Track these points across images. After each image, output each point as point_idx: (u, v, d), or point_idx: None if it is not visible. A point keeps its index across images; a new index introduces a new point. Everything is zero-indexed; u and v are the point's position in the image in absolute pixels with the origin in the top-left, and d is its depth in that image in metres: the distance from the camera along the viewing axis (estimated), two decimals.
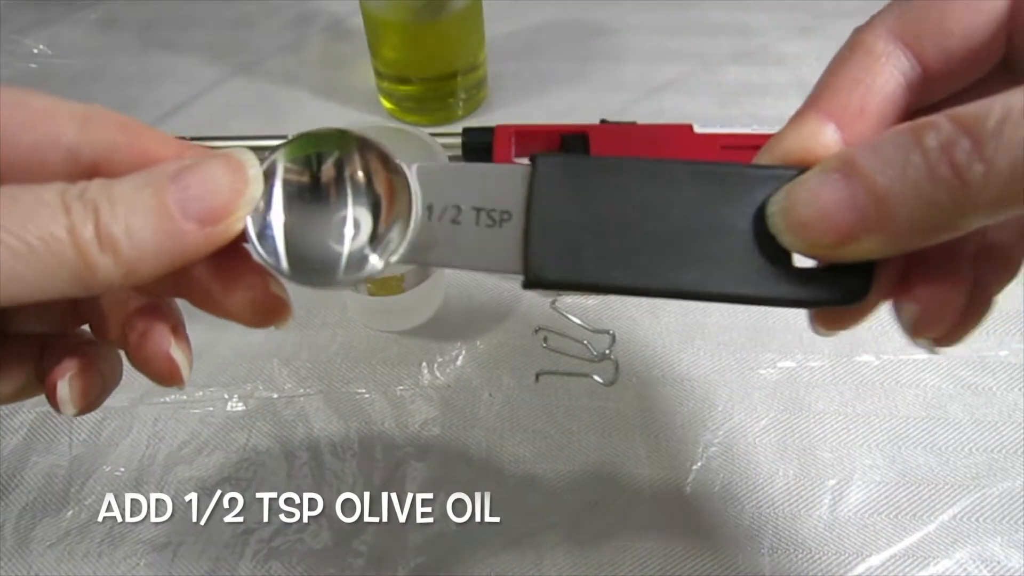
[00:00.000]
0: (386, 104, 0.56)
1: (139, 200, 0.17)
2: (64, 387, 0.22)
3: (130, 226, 0.17)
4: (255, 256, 0.20)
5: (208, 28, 0.64)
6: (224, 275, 0.20)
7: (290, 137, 0.20)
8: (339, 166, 0.20)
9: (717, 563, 0.35)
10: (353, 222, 0.20)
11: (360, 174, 0.20)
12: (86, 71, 0.61)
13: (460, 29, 0.52)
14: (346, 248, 0.20)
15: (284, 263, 0.19)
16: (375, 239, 0.20)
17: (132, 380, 0.43)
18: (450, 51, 0.52)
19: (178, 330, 0.22)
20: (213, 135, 0.53)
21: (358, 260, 0.20)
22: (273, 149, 0.20)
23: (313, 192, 0.20)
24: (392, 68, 0.54)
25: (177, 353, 0.21)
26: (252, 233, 0.19)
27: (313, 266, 0.20)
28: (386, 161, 0.20)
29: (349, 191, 0.20)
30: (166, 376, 0.21)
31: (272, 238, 0.19)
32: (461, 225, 0.20)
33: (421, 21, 0.50)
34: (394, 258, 0.20)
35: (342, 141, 0.20)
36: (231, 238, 0.19)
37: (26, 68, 0.61)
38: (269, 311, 0.21)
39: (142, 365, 0.22)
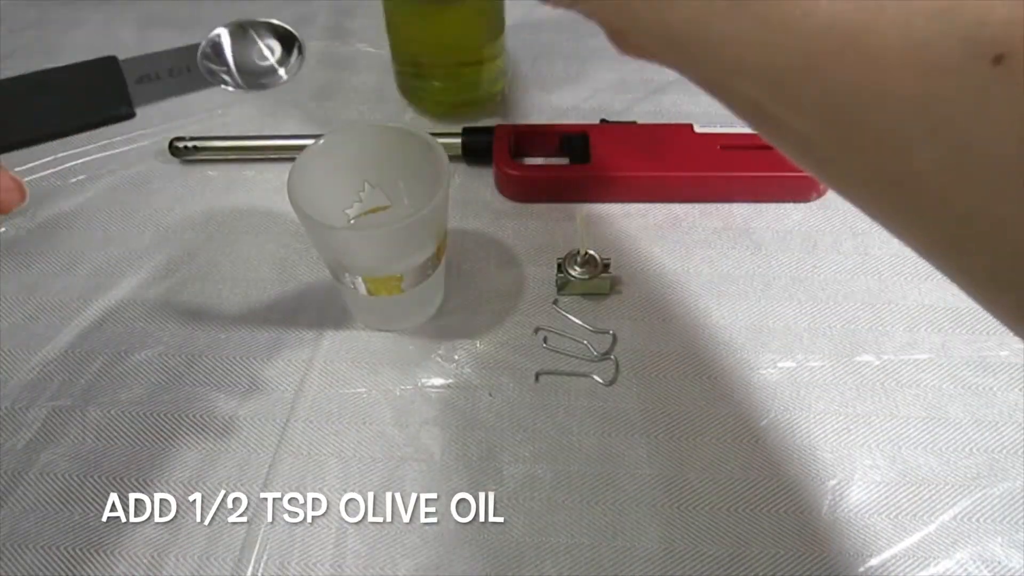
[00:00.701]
0: (408, 96, 0.56)
1: None
2: None
3: None
4: None
5: (208, 28, 0.64)
6: None
7: None
8: None
9: (717, 563, 0.35)
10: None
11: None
12: None
13: (479, 13, 0.51)
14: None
15: None
16: None
17: (133, 380, 0.42)
18: (470, 36, 0.51)
19: None
20: (213, 135, 0.53)
21: None
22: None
23: None
24: (411, 52, 0.53)
25: None
26: None
27: None
28: None
29: None
30: None
31: None
32: None
33: (442, 3, 0.49)
34: None
35: None
36: None
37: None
38: None
39: None
